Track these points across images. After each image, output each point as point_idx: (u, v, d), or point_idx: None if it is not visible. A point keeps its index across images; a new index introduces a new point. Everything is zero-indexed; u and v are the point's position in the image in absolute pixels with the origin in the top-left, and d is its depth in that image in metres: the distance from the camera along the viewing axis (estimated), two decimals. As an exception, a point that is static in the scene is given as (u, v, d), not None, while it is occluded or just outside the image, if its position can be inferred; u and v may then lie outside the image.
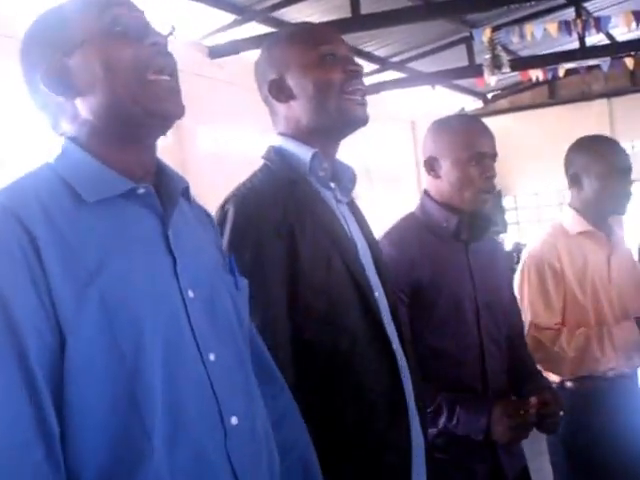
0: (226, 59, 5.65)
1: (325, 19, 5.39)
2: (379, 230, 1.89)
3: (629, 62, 7.34)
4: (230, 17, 5.41)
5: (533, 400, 1.80)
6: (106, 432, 0.93)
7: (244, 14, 5.38)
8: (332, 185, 1.50)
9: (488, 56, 6.02)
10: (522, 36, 6.11)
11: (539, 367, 2.10)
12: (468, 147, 1.85)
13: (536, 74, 7.31)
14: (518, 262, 2.39)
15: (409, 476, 1.40)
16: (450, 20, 6.37)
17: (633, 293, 2.33)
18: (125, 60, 1.02)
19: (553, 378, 2.26)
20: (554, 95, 9.80)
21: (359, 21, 5.28)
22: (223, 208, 1.39)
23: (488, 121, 2.01)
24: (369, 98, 1.50)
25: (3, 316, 0.90)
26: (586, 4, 6.60)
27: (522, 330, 2.12)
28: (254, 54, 1.55)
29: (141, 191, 1.04)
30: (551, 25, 6.06)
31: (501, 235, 8.86)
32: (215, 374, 1.03)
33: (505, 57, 6.10)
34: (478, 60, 6.77)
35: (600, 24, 5.95)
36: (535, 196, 9.98)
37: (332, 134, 1.49)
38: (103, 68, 1.02)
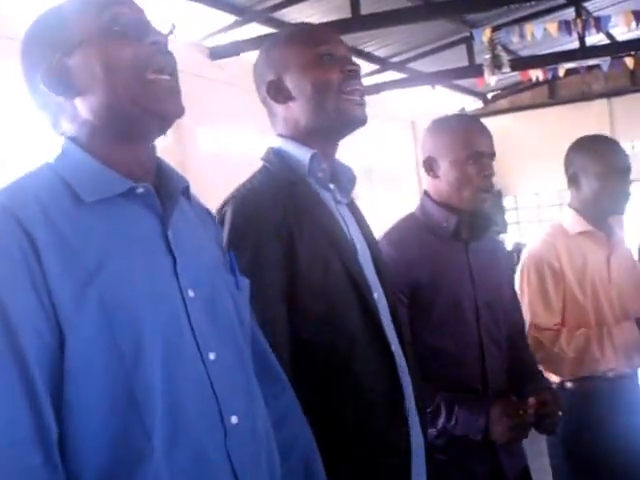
0: (227, 60, 5.65)
1: (325, 19, 5.39)
2: (380, 230, 1.90)
3: (629, 62, 7.33)
4: (231, 18, 5.40)
5: (532, 400, 1.80)
6: (106, 432, 0.93)
7: (245, 15, 5.37)
8: (331, 186, 1.50)
9: (488, 56, 6.02)
10: (522, 36, 6.11)
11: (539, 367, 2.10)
12: (466, 146, 1.85)
13: (536, 74, 7.30)
14: (518, 262, 2.39)
15: (409, 477, 1.40)
16: (450, 20, 6.36)
17: (633, 293, 2.32)
18: (125, 59, 1.02)
19: (553, 378, 2.26)
20: (554, 95, 9.79)
21: (359, 21, 5.27)
22: (222, 210, 1.39)
23: (488, 121, 2.01)
24: (369, 98, 1.50)
25: (2, 319, 0.90)
26: (586, 4, 6.59)
27: (524, 330, 2.12)
28: (255, 55, 1.54)
29: (140, 191, 1.04)
30: (551, 25, 6.06)
31: (501, 235, 8.86)
32: (215, 373, 1.03)
33: (505, 57, 6.09)
34: (478, 60, 6.76)
35: (600, 24, 5.94)
36: (535, 196, 9.97)
37: (331, 134, 1.49)
38: (102, 68, 1.02)
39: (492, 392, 1.84)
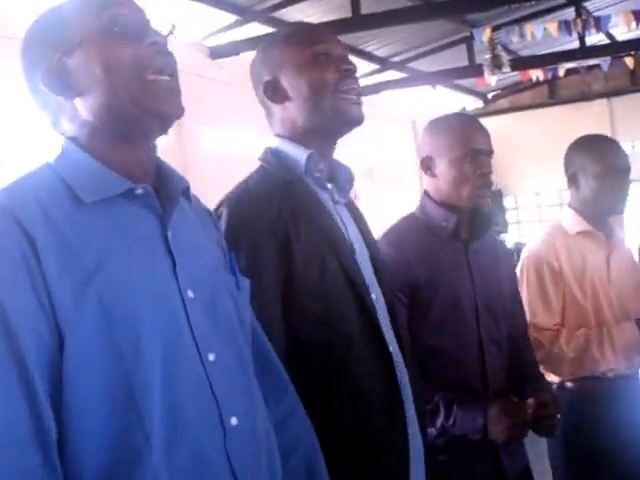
0: (227, 60, 5.64)
1: (326, 19, 5.39)
2: (381, 230, 1.90)
3: (629, 62, 7.32)
4: (231, 17, 5.40)
5: (530, 401, 1.80)
6: (105, 432, 0.93)
7: (245, 14, 5.37)
8: (329, 186, 1.50)
9: (488, 56, 6.01)
10: (522, 36, 6.10)
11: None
12: (463, 144, 1.86)
13: (536, 74, 7.30)
14: (518, 262, 2.39)
15: (407, 476, 1.40)
16: (450, 20, 6.36)
17: (633, 293, 2.32)
18: (124, 60, 1.02)
19: (553, 378, 2.26)
20: (554, 95, 9.78)
21: (359, 21, 5.27)
22: (217, 211, 1.38)
23: (488, 121, 2.02)
24: (370, 98, 1.50)
25: (2, 320, 0.90)
26: (586, 4, 6.59)
27: (526, 330, 2.11)
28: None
29: (139, 191, 1.04)
30: (551, 25, 6.05)
31: (502, 235, 8.85)
32: (214, 374, 1.03)
33: (505, 57, 6.09)
34: (478, 60, 6.76)
35: (600, 24, 5.93)
36: (536, 196, 9.96)
37: (328, 134, 1.49)
38: (102, 68, 1.02)
39: (492, 392, 1.84)
